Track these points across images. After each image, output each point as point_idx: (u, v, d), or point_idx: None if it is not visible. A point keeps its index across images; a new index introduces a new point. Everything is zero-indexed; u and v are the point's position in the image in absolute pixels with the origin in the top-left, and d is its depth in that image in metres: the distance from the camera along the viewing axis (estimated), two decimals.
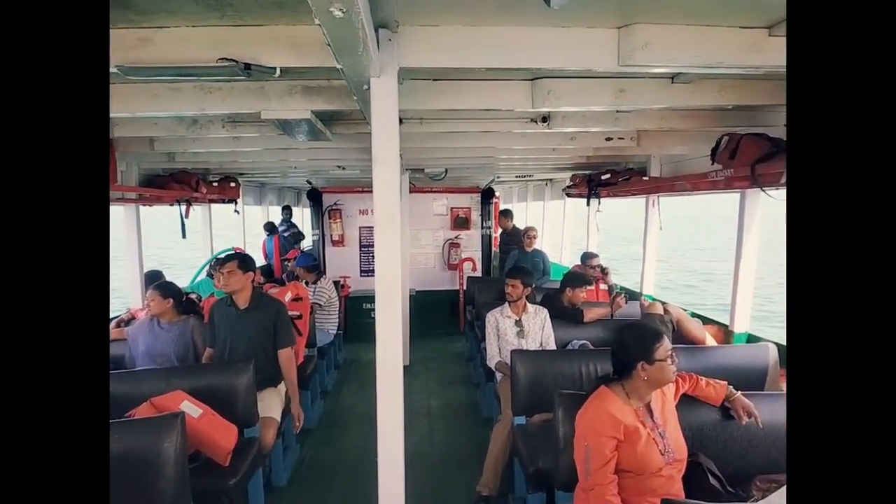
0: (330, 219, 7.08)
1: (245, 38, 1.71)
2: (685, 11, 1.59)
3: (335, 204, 7.04)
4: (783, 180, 2.54)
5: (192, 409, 2.30)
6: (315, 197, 7.04)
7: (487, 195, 7.32)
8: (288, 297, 4.02)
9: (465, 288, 6.69)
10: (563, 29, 1.68)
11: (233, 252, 3.86)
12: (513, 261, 5.88)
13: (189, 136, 3.17)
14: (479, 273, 7.17)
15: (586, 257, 5.00)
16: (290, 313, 4.08)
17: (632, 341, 1.89)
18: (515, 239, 6.60)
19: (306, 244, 8.33)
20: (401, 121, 2.80)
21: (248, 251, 6.61)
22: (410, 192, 6.21)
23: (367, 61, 1.45)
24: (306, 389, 4.06)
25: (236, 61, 1.69)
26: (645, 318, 3.66)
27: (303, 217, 9.58)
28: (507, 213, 7.20)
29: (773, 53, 1.65)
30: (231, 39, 1.70)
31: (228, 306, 2.95)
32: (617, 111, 2.83)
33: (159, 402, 2.34)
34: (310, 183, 7.12)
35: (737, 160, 2.78)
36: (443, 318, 6.97)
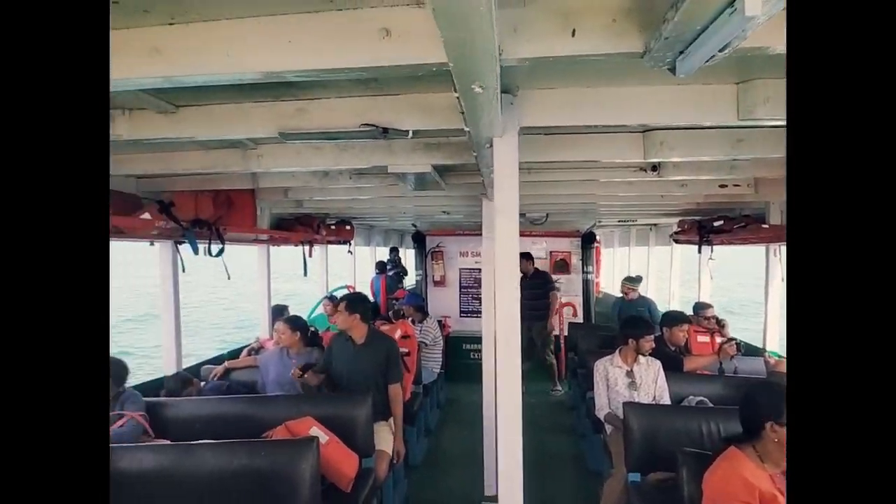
0: (432, 260, 7.38)
1: (384, 105, 1.96)
2: None
3: (437, 246, 7.34)
4: None
5: (320, 434, 2.52)
6: (419, 239, 7.42)
7: (588, 239, 7.23)
8: (398, 334, 4.22)
9: (565, 334, 6.52)
10: (677, 87, 1.74)
11: (347, 292, 4.14)
12: (616, 309, 5.73)
13: (319, 186, 3.57)
14: (580, 319, 7.01)
15: (699, 308, 4.68)
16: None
17: (761, 399, 1.80)
18: (540, 283, 6.25)
19: (409, 283, 8.69)
20: None
21: (358, 288, 7.04)
22: None
23: (492, 124, 1.61)
24: (413, 425, 4.17)
25: (376, 126, 1.95)
26: (771, 376, 3.39)
27: (405, 258, 10.04)
28: (526, 256, 6.36)
29: None
30: (372, 107, 1.97)
31: (346, 341, 3.16)
32: (734, 159, 2.75)
33: (292, 425, 2.59)
34: (415, 226, 7.52)
35: None
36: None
